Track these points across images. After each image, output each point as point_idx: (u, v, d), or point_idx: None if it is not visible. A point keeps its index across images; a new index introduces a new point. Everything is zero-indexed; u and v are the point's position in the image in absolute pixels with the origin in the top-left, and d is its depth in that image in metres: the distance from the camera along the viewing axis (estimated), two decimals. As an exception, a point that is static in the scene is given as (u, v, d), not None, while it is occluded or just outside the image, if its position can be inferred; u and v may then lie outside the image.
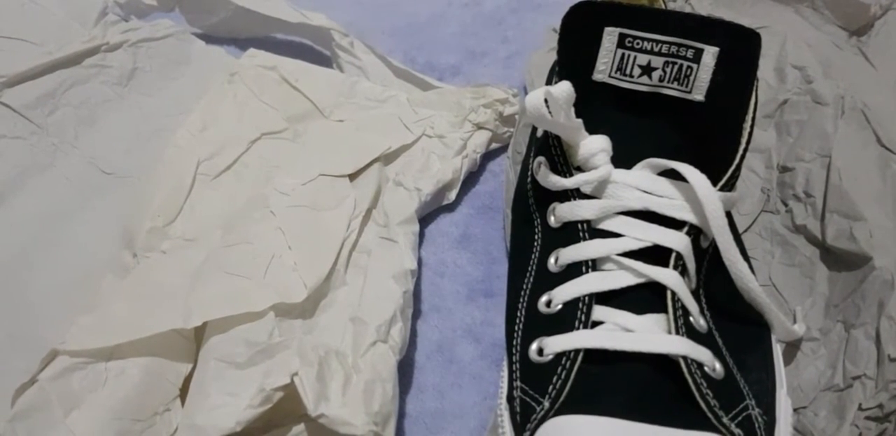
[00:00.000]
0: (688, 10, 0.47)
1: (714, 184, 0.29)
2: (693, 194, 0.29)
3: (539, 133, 0.34)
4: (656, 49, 0.29)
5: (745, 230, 0.39)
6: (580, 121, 0.30)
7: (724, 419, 0.27)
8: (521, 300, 0.31)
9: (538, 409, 0.27)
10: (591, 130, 0.30)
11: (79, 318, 0.32)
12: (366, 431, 0.29)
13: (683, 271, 0.29)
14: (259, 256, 0.34)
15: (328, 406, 0.29)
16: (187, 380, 0.31)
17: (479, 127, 0.43)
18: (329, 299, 0.34)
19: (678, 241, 0.29)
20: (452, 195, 0.42)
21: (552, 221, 0.31)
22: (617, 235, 0.30)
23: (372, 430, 0.29)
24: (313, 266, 0.34)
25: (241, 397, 0.29)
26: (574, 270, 0.30)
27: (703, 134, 0.30)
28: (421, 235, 0.40)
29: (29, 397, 0.29)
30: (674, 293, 0.28)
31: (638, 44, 0.29)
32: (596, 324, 0.28)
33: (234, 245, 0.35)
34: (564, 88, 0.29)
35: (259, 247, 0.35)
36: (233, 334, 0.31)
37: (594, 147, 0.30)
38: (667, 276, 0.29)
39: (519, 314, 0.31)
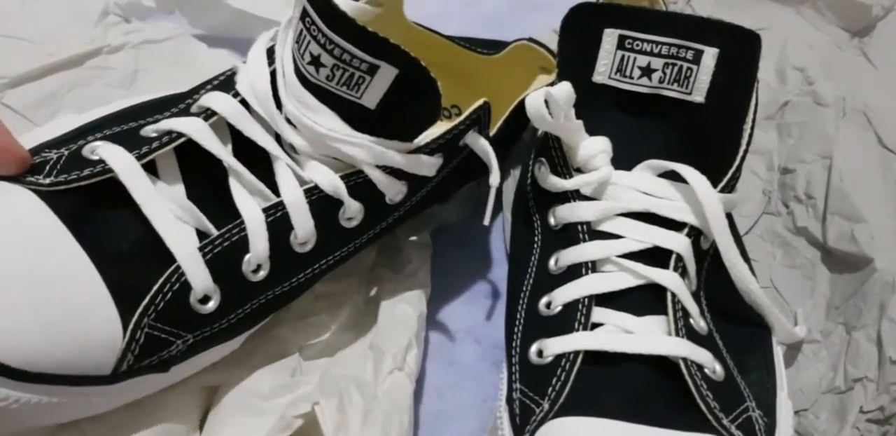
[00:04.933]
0: (688, 11, 0.47)
1: (714, 185, 0.29)
2: (693, 196, 0.29)
3: (539, 134, 0.34)
4: (656, 50, 0.29)
5: (747, 232, 0.39)
6: (580, 122, 0.30)
7: (725, 421, 0.27)
8: (521, 302, 0.31)
9: (537, 411, 0.27)
10: (591, 131, 0.30)
11: None
12: None
13: (684, 273, 0.29)
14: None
15: None
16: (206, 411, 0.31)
17: None
18: (350, 329, 0.35)
19: (678, 242, 0.29)
20: (463, 216, 0.41)
21: (552, 222, 0.31)
22: (617, 237, 0.30)
23: None
24: (336, 301, 0.34)
25: (261, 426, 0.29)
26: (574, 271, 0.30)
27: (704, 135, 0.30)
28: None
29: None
30: (674, 295, 0.28)
31: (638, 45, 0.29)
32: (596, 326, 0.28)
33: None
34: (564, 90, 0.29)
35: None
36: (256, 366, 0.32)
37: (594, 148, 0.30)
38: (667, 277, 0.29)
39: (519, 316, 0.31)
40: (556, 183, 0.31)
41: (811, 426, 0.32)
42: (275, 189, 0.28)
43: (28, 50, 0.42)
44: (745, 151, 0.30)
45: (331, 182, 0.29)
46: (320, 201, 0.29)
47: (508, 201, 0.39)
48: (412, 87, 0.27)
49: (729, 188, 0.30)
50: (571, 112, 0.30)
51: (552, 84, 0.30)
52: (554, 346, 0.28)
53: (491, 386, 0.35)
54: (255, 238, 0.27)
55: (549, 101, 0.28)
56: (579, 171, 0.31)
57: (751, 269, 0.31)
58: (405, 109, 0.28)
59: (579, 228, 0.30)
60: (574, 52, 0.31)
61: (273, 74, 0.29)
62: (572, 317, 0.28)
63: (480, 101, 0.31)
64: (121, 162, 0.27)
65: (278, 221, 0.28)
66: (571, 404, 0.27)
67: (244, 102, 0.29)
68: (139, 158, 0.27)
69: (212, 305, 0.27)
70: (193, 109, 0.29)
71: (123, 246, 0.26)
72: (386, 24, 0.32)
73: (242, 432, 0.29)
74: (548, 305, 0.30)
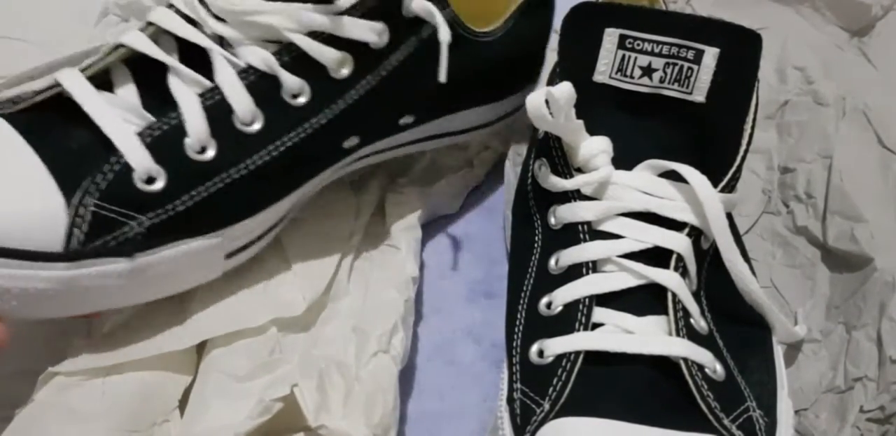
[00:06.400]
0: (688, 10, 0.47)
1: (715, 185, 0.29)
2: (694, 196, 0.29)
3: (540, 134, 0.33)
4: (657, 50, 0.29)
5: (747, 232, 0.39)
6: (581, 122, 0.30)
7: (725, 421, 0.27)
8: (522, 302, 0.31)
9: (538, 411, 0.27)
10: (592, 131, 0.30)
11: (76, 341, 0.31)
12: None
13: (684, 273, 0.29)
14: (259, 270, 0.34)
15: (329, 417, 0.29)
16: (187, 391, 0.31)
17: (487, 147, 0.44)
18: (331, 310, 0.34)
19: (679, 242, 0.29)
20: (456, 206, 0.42)
21: (552, 222, 0.31)
22: (617, 237, 0.30)
23: None
24: (313, 278, 0.34)
25: (241, 409, 0.29)
26: (574, 271, 0.30)
27: (704, 135, 0.30)
28: (421, 237, 0.40)
29: (25, 416, 0.29)
30: (674, 295, 0.28)
31: (638, 45, 0.29)
32: (596, 326, 0.28)
33: None
34: (565, 89, 0.29)
35: (259, 260, 0.35)
36: (235, 348, 0.31)
37: (595, 148, 0.30)
38: (667, 277, 0.29)
39: (519, 316, 0.31)
40: (557, 183, 0.31)
41: (811, 426, 0.32)
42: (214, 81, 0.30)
43: (27, 50, 0.42)
44: (746, 151, 0.30)
45: (262, 59, 0.30)
46: (258, 81, 0.30)
47: (509, 201, 0.39)
48: None
49: (729, 188, 0.30)
50: (572, 112, 0.29)
51: (553, 84, 0.30)
52: (555, 346, 0.28)
53: (491, 386, 0.35)
54: (192, 120, 0.29)
55: (550, 101, 0.28)
56: (580, 170, 0.31)
57: (751, 268, 0.31)
58: None
59: (580, 227, 0.30)
60: (574, 52, 0.31)
61: None
62: (573, 317, 0.28)
63: None
64: (67, 75, 0.29)
65: (217, 104, 0.29)
66: (572, 405, 0.27)
67: (180, 12, 0.31)
68: (84, 70, 0.30)
69: (159, 184, 0.29)
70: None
71: (71, 144, 0.28)
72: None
73: (222, 419, 0.29)
74: (548, 306, 0.30)
